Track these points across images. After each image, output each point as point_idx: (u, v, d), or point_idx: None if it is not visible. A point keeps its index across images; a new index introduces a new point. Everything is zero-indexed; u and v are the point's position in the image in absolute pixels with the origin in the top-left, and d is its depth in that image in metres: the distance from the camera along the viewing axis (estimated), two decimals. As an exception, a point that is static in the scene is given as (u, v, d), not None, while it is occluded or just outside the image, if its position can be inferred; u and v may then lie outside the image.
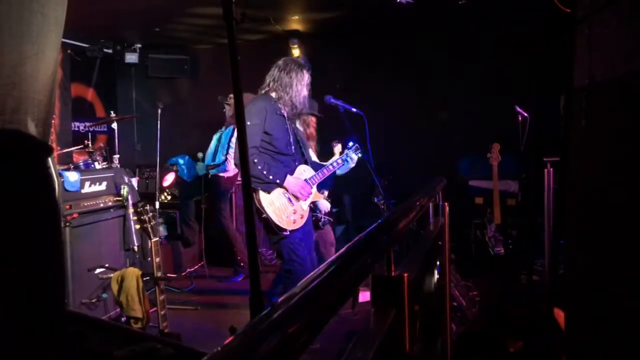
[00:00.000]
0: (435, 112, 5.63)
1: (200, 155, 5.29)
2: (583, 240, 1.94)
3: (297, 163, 3.09)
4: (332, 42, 6.13)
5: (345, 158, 3.28)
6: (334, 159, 3.30)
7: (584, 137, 1.86)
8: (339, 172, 3.41)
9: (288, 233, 2.93)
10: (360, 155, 3.28)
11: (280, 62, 3.07)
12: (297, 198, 2.99)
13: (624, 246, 1.63)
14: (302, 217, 2.99)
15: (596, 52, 1.74)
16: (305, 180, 3.04)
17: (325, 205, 3.72)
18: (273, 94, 3.01)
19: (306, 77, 3.06)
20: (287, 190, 2.96)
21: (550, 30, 4.53)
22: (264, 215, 2.88)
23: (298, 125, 3.52)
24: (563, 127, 2.12)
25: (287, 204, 2.96)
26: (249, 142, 2.86)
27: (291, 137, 3.06)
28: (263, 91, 3.05)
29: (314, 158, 3.64)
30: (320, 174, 3.11)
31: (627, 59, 1.55)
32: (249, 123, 2.86)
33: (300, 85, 3.01)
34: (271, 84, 3.03)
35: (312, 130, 4.31)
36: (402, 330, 1.04)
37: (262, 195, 2.90)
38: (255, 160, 2.86)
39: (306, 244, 3.07)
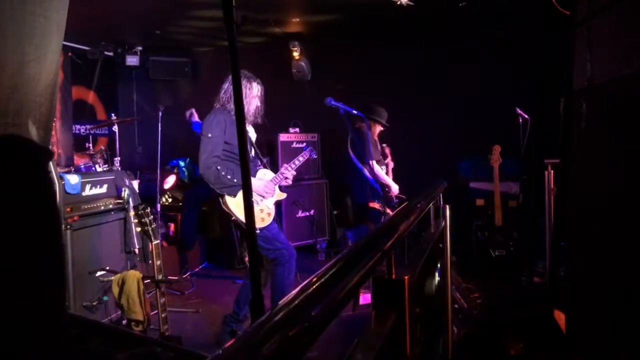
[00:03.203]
0: (436, 113, 5.63)
1: None
2: (583, 242, 1.94)
3: (257, 168, 3.30)
4: (332, 44, 6.14)
5: (294, 161, 3.48)
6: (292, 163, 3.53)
7: (584, 139, 1.86)
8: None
9: (259, 231, 3.11)
10: (315, 156, 3.66)
11: (230, 76, 3.22)
12: (262, 197, 3.20)
13: (624, 248, 1.63)
14: (269, 215, 3.20)
15: (596, 55, 1.74)
16: (268, 180, 3.27)
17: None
18: (227, 106, 3.18)
19: (255, 89, 3.23)
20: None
21: (549, 32, 4.54)
22: (233, 218, 3.07)
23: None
24: (563, 129, 2.13)
25: (253, 205, 3.07)
26: (212, 151, 3.03)
27: (248, 145, 3.21)
28: (218, 105, 3.22)
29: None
30: (280, 175, 3.32)
31: (627, 61, 1.56)
32: (210, 135, 3.08)
33: (250, 98, 3.19)
34: (222, 96, 3.21)
35: (375, 137, 4.55)
36: (403, 333, 1.04)
37: (229, 199, 3.08)
38: (219, 167, 3.04)
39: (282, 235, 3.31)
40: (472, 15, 5.10)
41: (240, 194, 3.08)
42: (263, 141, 5.20)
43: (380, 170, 4.37)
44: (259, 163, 3.35)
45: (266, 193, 3.21)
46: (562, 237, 2.88)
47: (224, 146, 3.09)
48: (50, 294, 0.98)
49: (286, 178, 3.33)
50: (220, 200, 3.10)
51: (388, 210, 4.25)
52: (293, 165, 3.39)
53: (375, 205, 4.40)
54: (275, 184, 3.29)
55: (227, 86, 3.21)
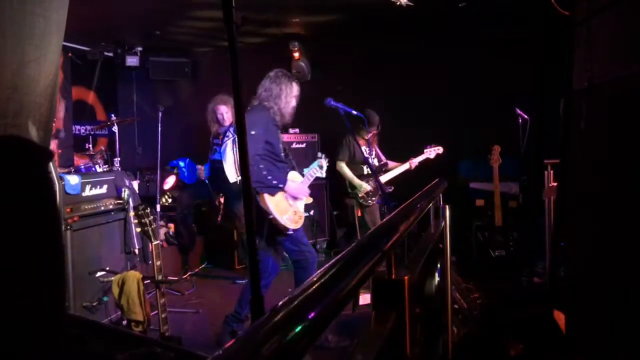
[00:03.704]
0: (436, 114, 5.63)
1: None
2: (583, 242, 1.94)
3: (288, 169, 3.33)
4: (332, 44, 6.14)
5: (319, 165, 3.53)
6: (312, 165, 3.57)
7: (584, 139, 1.86)
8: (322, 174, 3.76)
9: (292, 232, 3.16)
10: (328, 164, 3.68)
11: (271, 73, 3.26)
12: (295, 199, 3.24)
13: (624, 248, 1.62)
14: (301, 218, 3.25)
15: (596, 55, 1.74)
16: (300, 182, 3.33)
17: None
18: (265, 104, 3.18)
19: (295, 89, 3.26)
20: (286, 193, 3.19)
21: (549, 32, 4.53)
22: (271, 216, 3.08)
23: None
24: (563, 129, 2.13)
25: (288, 206, 3.20)
26: (253, 149, 3.00)
27: (281, 146, 3.29)
28: (257, 102, 3.21)
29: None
30: (306, 178, 3.39)
31: (626, 62, 1.56)
32: (252, 132, 3.04)
33: (290, 97, 3.22)
34: (263, 94, 3.20)
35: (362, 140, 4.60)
36: (403, 333, 1.04)
37: (268, 198, 3.08)
38: (261, 166, 3.04)
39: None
40: (472, 15, 5.10)
41: (279, 194, 3.12)
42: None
43: (343, 169, 4.51)
44: (288, 165, 3.36)
45: (299, 195, 3.25)
46: (562, 237, 2.88)
47: (264, 145, 3.09)
48: (50, 294, 0.98)
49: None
50: (257, 197, 3.07)
51: (357, 209, 4.50)
52: (315, 171, 3.46)
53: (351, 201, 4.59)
54: (306, 186, 3.35)
55: (269, 84, 3.19)
